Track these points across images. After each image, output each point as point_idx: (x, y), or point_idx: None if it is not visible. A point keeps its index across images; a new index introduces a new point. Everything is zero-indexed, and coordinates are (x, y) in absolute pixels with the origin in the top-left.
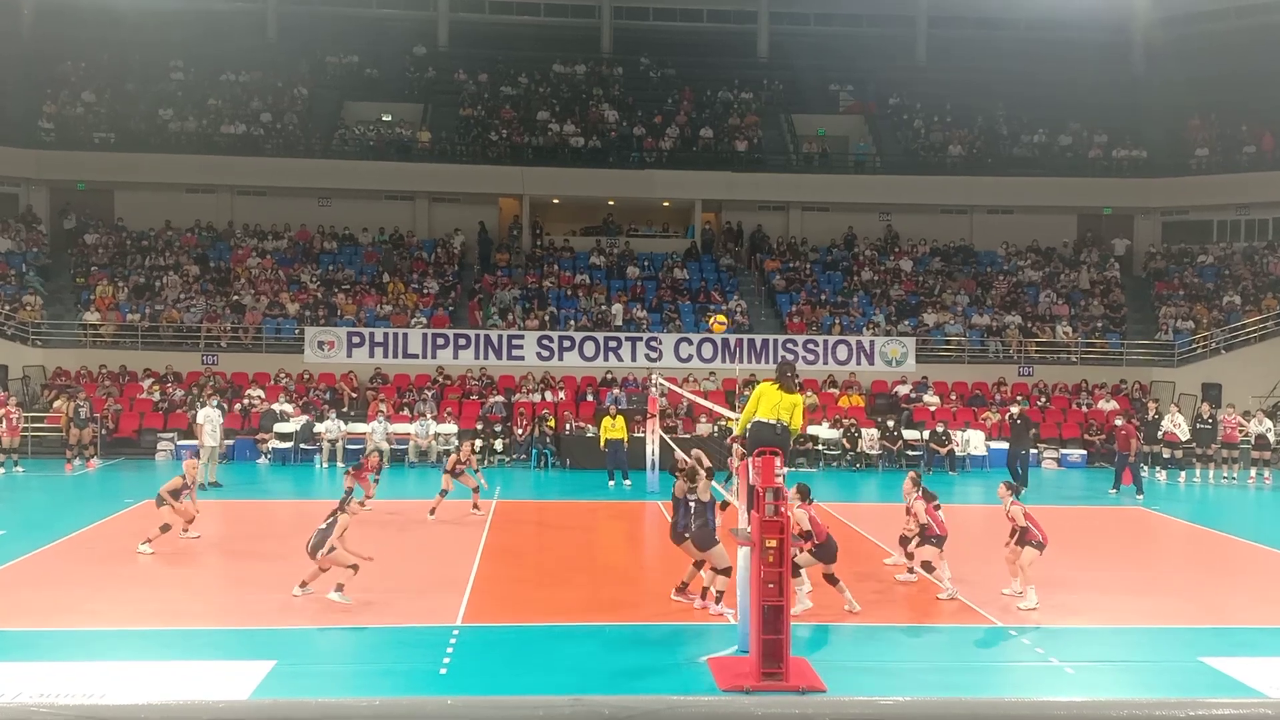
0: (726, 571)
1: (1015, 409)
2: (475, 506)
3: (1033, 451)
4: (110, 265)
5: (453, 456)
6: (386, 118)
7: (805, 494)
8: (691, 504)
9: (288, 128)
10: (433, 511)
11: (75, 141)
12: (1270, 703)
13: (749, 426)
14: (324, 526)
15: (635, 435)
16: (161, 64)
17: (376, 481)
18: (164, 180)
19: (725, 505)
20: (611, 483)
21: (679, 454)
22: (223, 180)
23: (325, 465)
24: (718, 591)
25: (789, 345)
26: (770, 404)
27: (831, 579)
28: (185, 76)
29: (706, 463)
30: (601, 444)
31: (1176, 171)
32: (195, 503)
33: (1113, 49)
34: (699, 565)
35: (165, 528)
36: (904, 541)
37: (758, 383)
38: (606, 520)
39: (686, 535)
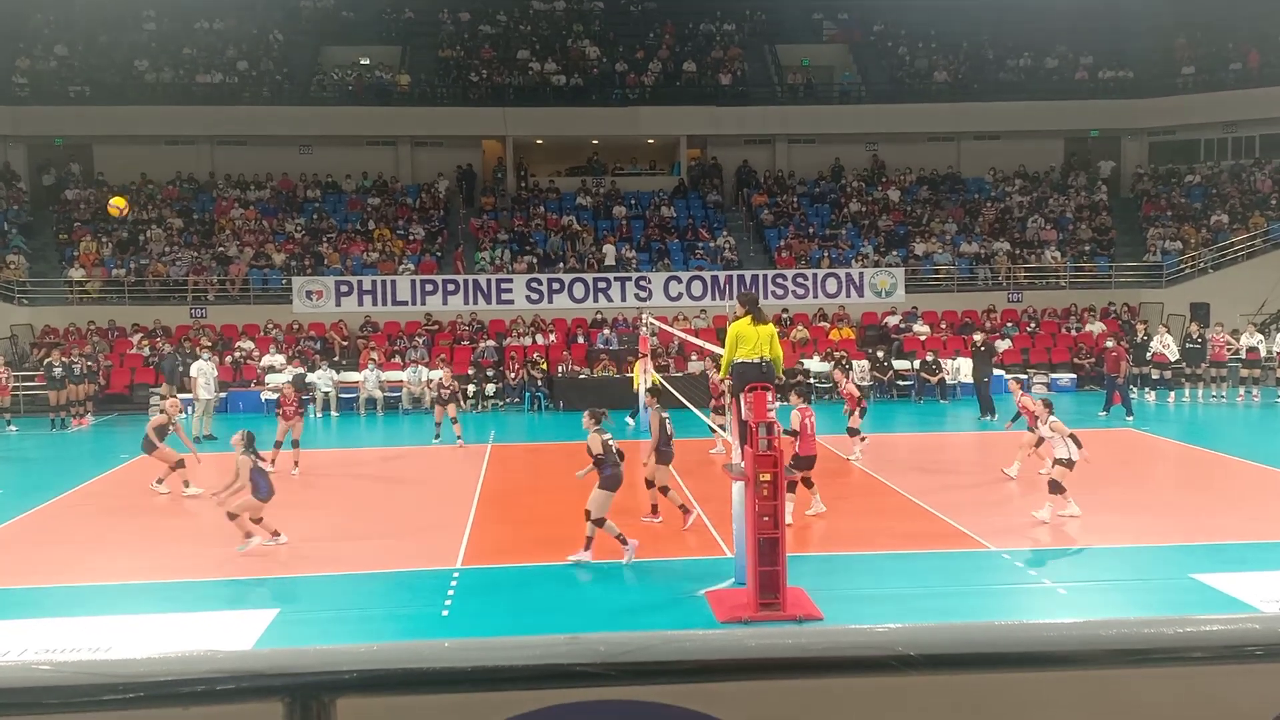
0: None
1: (978, 336)
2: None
3: (1000, 376)
4: (93, 221)
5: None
6: (364, 61)
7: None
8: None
9: (264, 75)
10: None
11: (51, 96)
12: (1261, 617)
13: (732, 369)
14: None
15: (625, 375)
16: (134, 14)
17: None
18: (142, 132)
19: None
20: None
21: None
22: (202, 131)
23: (319, 415)
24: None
25: (779, 280)
26: (750, 343)
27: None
28: (158, 26)
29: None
30: None
31: (1163, 91)
32: (195, 452)
33: None
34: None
35: (179, 464)
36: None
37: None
38: None
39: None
